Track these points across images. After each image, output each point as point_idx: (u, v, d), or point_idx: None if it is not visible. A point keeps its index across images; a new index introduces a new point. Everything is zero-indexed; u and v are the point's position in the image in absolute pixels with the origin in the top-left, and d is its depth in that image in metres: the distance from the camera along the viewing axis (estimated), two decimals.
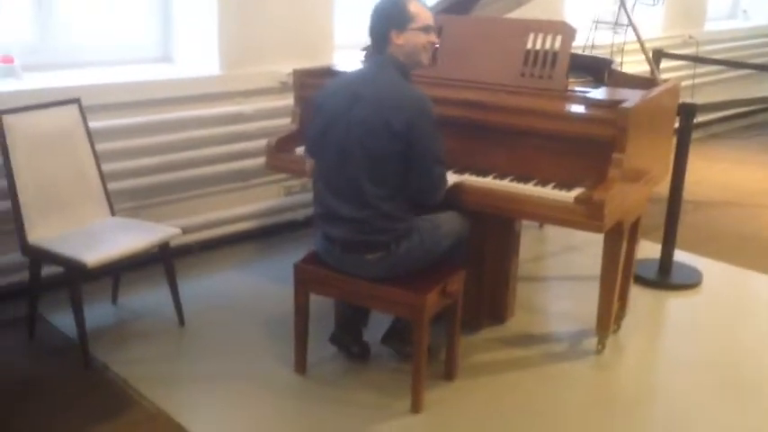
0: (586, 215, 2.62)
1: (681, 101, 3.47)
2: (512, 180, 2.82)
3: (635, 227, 3.09)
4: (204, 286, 3.56)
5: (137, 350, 3.00)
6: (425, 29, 2.63)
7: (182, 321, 3.18)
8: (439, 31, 3.27)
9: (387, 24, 2.59)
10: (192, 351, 3.03)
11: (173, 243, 3.14)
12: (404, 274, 2.62)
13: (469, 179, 2.87)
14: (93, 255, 2.77)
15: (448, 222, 2.74)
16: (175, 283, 3.14)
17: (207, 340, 3.09)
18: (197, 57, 3.89)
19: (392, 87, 2.56)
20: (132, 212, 3.50)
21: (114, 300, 3.34)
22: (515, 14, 3.72)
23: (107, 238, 2.96)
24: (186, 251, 3.74)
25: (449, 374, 2.82)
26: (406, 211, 2.62)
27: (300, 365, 2.85)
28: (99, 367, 2.86)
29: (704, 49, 6.48)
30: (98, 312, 3.22)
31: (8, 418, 2.46)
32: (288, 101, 3.72)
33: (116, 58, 3.77)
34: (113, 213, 3.22)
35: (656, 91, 3.01)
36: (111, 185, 3.31)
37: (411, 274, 2.63)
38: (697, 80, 6.30)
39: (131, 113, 3.54)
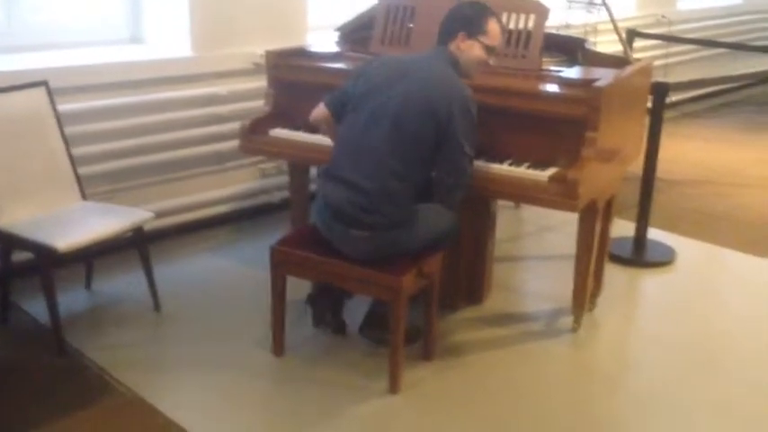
0: (561, 194, 2.64)
1: (654, 80, 3.49)
2: (486, 160, 2.82)
3: (609, 205, 3.11)
4: (180, 270, 3.53)
5: (112, 336, 2.97)
6: (489, 49, 2.71)
7: (157, 306, 3.15)
8: (412, 11, 3.26)
9: (461, 24, 2.67)
10: (169, 336, 3.01)
11: (147, 227, 3.10)
12: (381, 259, 2.61)
13: None
14: (64, 239, 2.73)
15: (435, 215, 2.68)
16: (150, 267, 3.11)
17: (183, 325, 3.07)
18: (168, 38, 3.83)
19: (443, 74, 2.60)
20: (106, 197, 3.45)
21: (88, 285, 3.30)
22: None
23: (78, 223, 2.92)
24: (161, 235, 3.70)
25: (427, 355, 2.83)
26: (409, 201, 2.59)
27: (278, 348, 2.84)
28: (74, 354, 2.83)
29: (677, 29, 6.51)
30: (72, 298, 3.18)
31: None
32: (261, 82, 3.68)
33: (85, 40, 3.71)
34: (85, 198, 3.17)
35: (628, 70, 3.02)
36: (83, 169, 3.25)
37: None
38: (670, 59, 6.35)
39: (102, 96, 3.47)
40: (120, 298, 3.26)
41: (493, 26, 2.70)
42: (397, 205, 2.56)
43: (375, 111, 2.57)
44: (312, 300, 2.93)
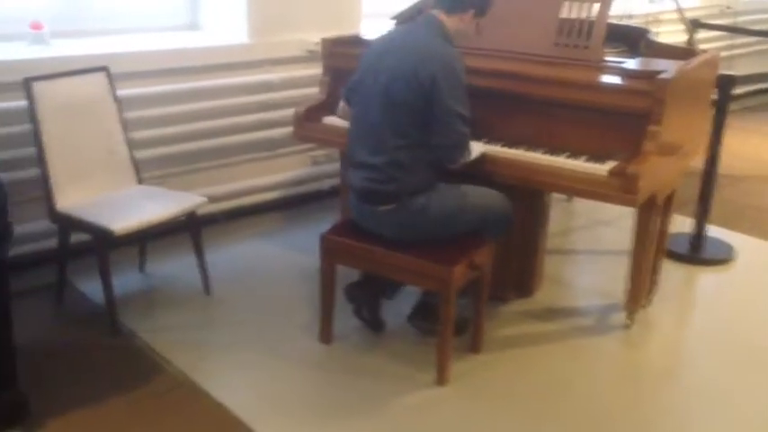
0: (620, 188, 2.57)
1: (719, 72, 3.37)
2: (544, 152, 2.77)
3: (669, 201, 3.02)
4: (230, 255, 3.57)
5: (164, 318, 3.01)
6: (480, 30, 2.77)
7: (208, 290, 3.19)
8: None
9: (475, 4, 2.64)
10: (218, 319, 3.04)
11: (199, 212, 3.14)
12: (420, 238, 2.59)
13: (501, 150, 2.82)
14: (121, 222, 2.78)
15: (479, 196, 2.69)
16: (202, 251, 3.15)
17: (233, 309, 3.10)
18: (225, 25, 3.85)
19: (425, 41, 2.58)
20: (159, 181, 3.50)
21: (141, 268, 3.36)
22: None
23: (134, 206, 2.96)
24: (212, 220, 3.74)
25: (475, 347, 2.80)
26: (424, 168, 2.58)
27: (326, 335, 2.85)
28: (127, 334, 2.88)
29: (742, 20, 6.30)
30: (125, 280, 3.24)
31: (37, 384, 2.49)
32: (315, 70, 3.69)
33: (144, 26, 3.76)
34: (140, 181, 3.22)
35: (694, 62, 2.92)
36: (139, 153, 3.31)
37: (432, 242, 2.60)
38: (734, 51, 6.15)
39: (159, 81, 3.52)
40: (172, 281, 3.31)
41: (492, 3, 2.71)
42: (410, 172, 2.55)
43: (369, 91, 2.61)
44: (348, 292, 2.90)
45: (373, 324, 2.93)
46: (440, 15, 2.62)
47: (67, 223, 2.92)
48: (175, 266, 3.39)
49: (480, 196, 2.70)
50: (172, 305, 3.11)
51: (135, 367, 2.69)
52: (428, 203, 2.58)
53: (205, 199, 3.14)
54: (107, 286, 2.84)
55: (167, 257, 3.45)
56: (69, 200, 2.94)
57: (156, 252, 3.41)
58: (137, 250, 3.33)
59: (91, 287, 3.12)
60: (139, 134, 3.42)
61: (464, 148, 2.59)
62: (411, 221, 2.59)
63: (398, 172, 2.55)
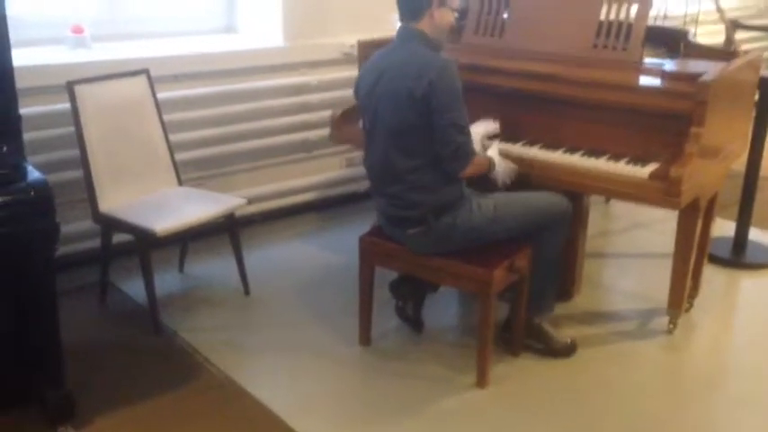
0: (662, 191, 2.54)
1: (762, 74, 3.31)
2: (583, 155, 2.75)
3: (711, 204, 2.98)
4: (268, 257, 3.59)
5: (204, 318, 3.05)
6: (454, 10, 2.62)
7: (247, 291, 3.22)
8: (506, 1, 3.20)
9: None
10: (258, 320, 3.06)
11: (237, 213, 3.17)
12: (458, 250, 2.58)
13: (540, 153, 2.81)
14: (163, 224, 2.81)
15: (516, 203, 2.64)
16: (240, 252, 3.17)
17: (272, 310, 3.12)
18: (261, 28, 3.89)
19: (413, 57, 2.52)
20: (198, 182, 3.54)
21: (181, 268, 3.40)
22: None
23: (175, 208, 3.00)
24: (250, 221, 3.77)
25: (514, 350, 2.79)
26: (444, 184, 2.55)
27: (365, 337, 2.86)
28: (168, 334, 2.92)
29: None
30: (166, 280, 3.28)
31: (82, 381, 2.53)
32: (351, 72, 3.70)
33: (182, 29, 3.81)
34: (181, 183, 3.26)
35: (736, 63, 2.88)
36: (179, 155, 3.35)
37: (472, 249, 2.58)
38: None
39: (197, 84, 3.57)
40: (212, 281, 3.34)
41: None
42: (430, 192, 2.53)
43: (370, 120, 2.61)
44: (394, 288, 2.91)
45: (414, 323, 2.93)
46: (412, 25, 2.56)
47: (110, 224, 2.97)
48: (215, 267, 3.42)
49: (517, 203, 2.64)
50: (212, 305, 3.14)
51: (177, 367, 2.72)
52: (454, 222, 2.55)
53: (244, 200, 3.17)
54: (149, 286, 2.88)
55: (207, 258, 3.49)
56: (112, 201, 2.98)
57: (196, 253, 3.45)
58: (177, 251, 3.37)
59: (133, 287, 3.17)
60: (179, 136, 3.46)
61: (463, 158, 2.51)
62: (442, 241, 2.58)
63: (418, 195, 2.54)
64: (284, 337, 2.92)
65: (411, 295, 2.91)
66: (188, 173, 3.51)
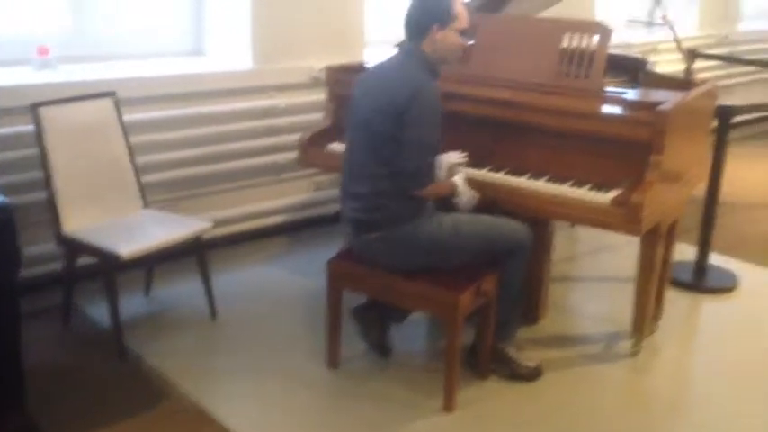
0: (624, 218, 2.59)
1: (718, 102, 3.42)
2: (548, 180, 2.80)
3: (672, 229, 3.05)
4: (235, 280, 3.58)
5: (170, 342, 3.01)
6: (463, 32, 2.67)
7: (214, 314, 3.20)
8: (474, 29, 3.25)
9: (431, 17, 2.61)
10: (225, 344, 3.04)
11: (205, 236, 3.15)
12: (414, 267, 2.61)
13: (504, 178, 2.85)
14: (128, 247, 2.79)
15: (482, 225, 2.67)
16: (208, 275, 3.16)
17: (239, 333, 3.10)
18: (229, 50, 3.90)
19: (403, 71, 2.60)
20: (165, 205, 3.52)
21: (147, 291, 3.37)
22: (547, 14, 3.69)
23: (141, 231, 2.98)
24: (217, 244, 3.75)
25: (482, 374, 2.80)
26: (406, 196, 2.58)
27: (333, 360, 2.85)
28: (133, 358, 2.88)
29: (739, 49, 6.39)
30: (131, 303, 3.24)
31: (44, 407, 2.48)
32: (319, 96, 3.73)
33: (149, 51, 3.80)
34: (147, 206, 3.24)
35: (693, 92, 2.97)
36: (145, 178, 3.33)
37: (434, 271, 2.61)
38: (732, 80, 6.22)
39: (164, 106, 3.56)
40: (178, 305, 3.31)
41: (460, 9, 2.65)
42: (395, 200, 2.57)
43: (354, 125, 2.67)
44: (358, 315, 2.90)
45: (381, 349, 2.93)
46: (414, 43, 2.64)
47: (74, 247, 2.93)
48: (181, 290, 3.39)
49: (479, 224, 2.68)
50: (178, 329, 3.11)
51: (141, 391, 2.68)
52: (415, 231, 2.58)
53: (211, 223, 3.16)
54: (114, 310, 2.84)
55: (173, 281, 3.46)
56: (76, 223, 2.95)
57: (163, 276, 3.42)
58: (143, 274, 3.33)
59: (97, 310, 3.13)
60: (146, 159, 3.44)
61: (420, 179, 2.56)
62: (399, 249, 2.60)
63: (382, 200, 2.57)
64: (252, 360, 2.91)
65: (374, 323, 2.89)
66: (156, 195, 3.49)
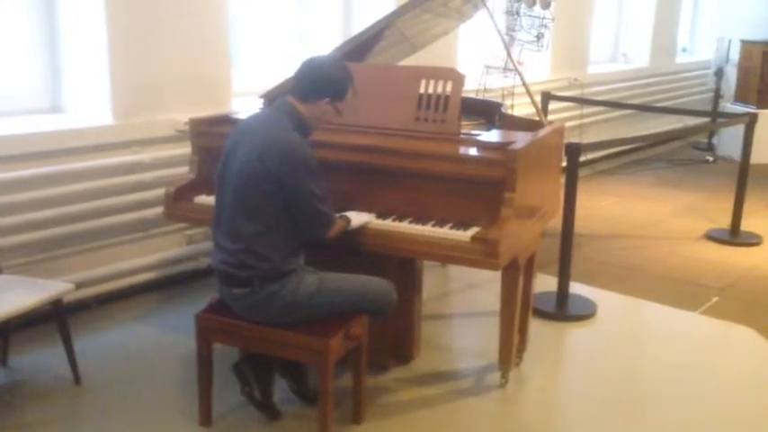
0: (483, 253, 2.71)
1: (567, 140, 3.66)
2: (411, 222, 2.89)
3: (531, 262, 3.21)
4: (103, 341, 3.44)
5: (31, 413, 2.85)
6: (339, 111, 2.75)
7: (77, 380, 3.05)
8: None
9: (327, 90, 2.67)
10: (90, 410, 2.91)
11: (69, 298, 3.03)
12: (273, 322, 2.62)
13: (371, 222, 2.92)
14: None
15: (345, 283, 2.71)
16: (70, 340, 3.02)
17: (106, 398, 2.98)
18: (88, 106, 3.81)
19: (272, 128, 2.62)
20: (24, 268, 3.36)
21: (4, 362, 3.17)
22: (410, 60, 3.85)
23: None
24: (84, 306, 3.60)
25: (357, 418, 2.82)
26: (281, 254, 2.59)
27: (205, 418, 2.78)
28: None
29: (589, 91, 6.86)
30: None
31: None
32: (185, 149, 3.69)
33: (3, 109, 3.65)
34: (1, 271, 3.08)
35: (542, 132, 3.17)
36: (1, 241, 3.17)
37: (300, 321, 2.63)
38: (584, 120, 6.68)
39: (21, 166, 3.41)
40: (39, 373, 3.14)
41: (350, 93, 2.75)
42: (264, 260, 2.58)
43: (222, 179, 2.68)
44: (238, 369, 2.79)
45: (266, 408, 2.81)
46: (294, 101, 2.67)
47: None
48: (42, 357, 3.22)
49: (345, 283, 2.71)
50: (39, 399, 2.95)
51: None
52: (280, 291, 2.58)
53: (71, 285, 3.04)
54: None
55: (34, 348, 3.28)
56: None
57: (21, 344, 3.24)
58: None
59: None
60: (3, 221, 3.28)
61: (326, 224, 2.65)
62: (261, 306, 2.60)
63: (252, 259, 2.57)
64: (119, 426, 2.79)
65: (255, 377, 2.80)
66: (14, 259, 3.33)
